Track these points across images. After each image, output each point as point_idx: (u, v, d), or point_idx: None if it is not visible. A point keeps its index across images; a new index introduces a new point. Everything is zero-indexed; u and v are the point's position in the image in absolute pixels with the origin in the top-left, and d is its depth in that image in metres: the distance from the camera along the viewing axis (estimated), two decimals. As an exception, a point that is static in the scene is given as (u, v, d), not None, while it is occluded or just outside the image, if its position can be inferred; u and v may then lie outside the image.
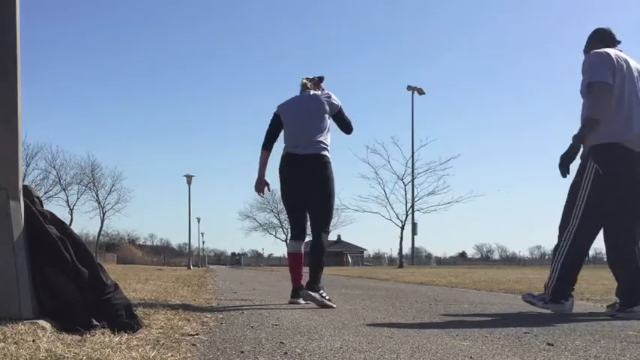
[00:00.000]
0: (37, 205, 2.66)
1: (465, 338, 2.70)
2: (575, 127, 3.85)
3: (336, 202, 4.70)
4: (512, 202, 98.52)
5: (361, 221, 71.08)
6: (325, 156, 4.41)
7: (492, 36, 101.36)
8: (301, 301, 4.41)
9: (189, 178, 32.42)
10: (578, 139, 3.71)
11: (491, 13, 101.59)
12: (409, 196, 31.49)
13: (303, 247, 4.61)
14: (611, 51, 3.75)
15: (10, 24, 2.57)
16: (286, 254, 5.14)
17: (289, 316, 3.59)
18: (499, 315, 3.85)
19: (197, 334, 2.68)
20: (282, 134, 4.62)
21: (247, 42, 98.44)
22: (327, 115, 4.46)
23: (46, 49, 75.58)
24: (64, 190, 40.59)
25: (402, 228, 31.55)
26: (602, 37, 3.91)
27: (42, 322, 2.37)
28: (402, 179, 31.74)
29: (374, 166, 32.17)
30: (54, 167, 39.43)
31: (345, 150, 35.39)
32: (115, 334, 2.37)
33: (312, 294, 4.14)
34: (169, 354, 2.09)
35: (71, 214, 41.09)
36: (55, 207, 38.00)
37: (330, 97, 4.50)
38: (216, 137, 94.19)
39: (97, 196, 43.22)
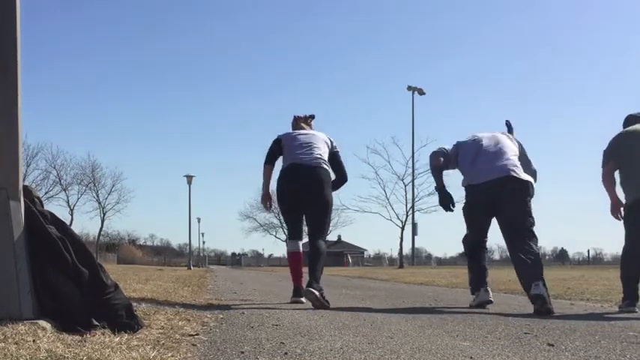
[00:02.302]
0: (37, 205, 2.66)
1: (465, 338, 2.70)
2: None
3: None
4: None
5: (361, 221, 70.74)
6: (326, 169, 4.68)
7: (493, 37, 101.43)
8: (303, 300, 4.51)
9: (189, 179, 32.42)
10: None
11: (494, 15, 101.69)
12: (409, 196, 31.52)
13: (301, 246, 4.78)
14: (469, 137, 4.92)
15: (10, 23, 2.57)
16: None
17: (289, 316, 3.59)
18: (499, 315, 3.85)
19: (197, 335, 2.68)
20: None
21: (248, 42, 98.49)
22: (326, 147, 4.77)
23: (46, 49, 75.56)
24: (65, 190, 40.43)
25: (403, 228, 31.57)
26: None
27: (42, 323, 2.37)
28: (402, 179, 31.80)
29: (374, 166, 32.25)
30: (54, 167, 39.28)
31: (345, 150, 35.32)
32: (115, 335, 2.37)
33: (314, 291, 4.22)
34: (169, 354, 2.09)
35: (71, 214, 41.01)
36: (56, 207, 37.90)
37: (332, 140, 4.86)
38: (217, 137, 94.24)
39: (98, 196, 43.07)
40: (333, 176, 4.79)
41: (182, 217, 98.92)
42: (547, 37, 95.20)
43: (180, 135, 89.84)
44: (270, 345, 2.43)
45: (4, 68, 2.55)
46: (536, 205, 4.47)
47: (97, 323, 2.52)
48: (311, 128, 4.99)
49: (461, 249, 5.31)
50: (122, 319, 2.61)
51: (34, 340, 2.06)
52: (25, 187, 2.63)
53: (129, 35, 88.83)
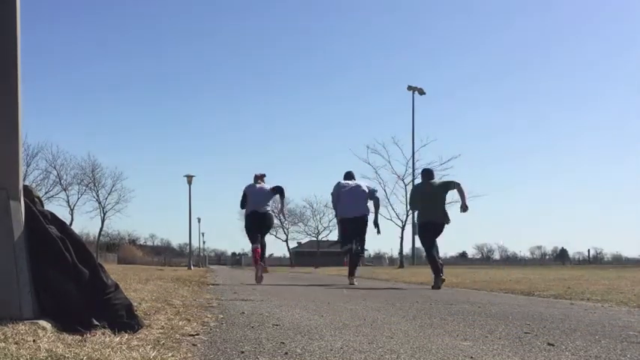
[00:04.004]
0: (37, 205, 2.66)
1: (465, 338, 2.70)
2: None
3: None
4: (512, 202, 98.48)
5: (361, 221, 70.30)
6: (271, 213, 9.19)
7: (493, 38, 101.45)
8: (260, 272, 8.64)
9: (189, 178, 32.40)
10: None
11: (494, 17, 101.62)
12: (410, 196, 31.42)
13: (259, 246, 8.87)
14: (344, 182, 9.12)
15: (10, 25, 2.57)
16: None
17: (290, 316, 3.59)
18: (499, 315, 3.85)
19: (198, 335, 2.68)
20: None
21: (250, 44, 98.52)
22: (270, 195, 9.05)
23: (47, 50, 75.60)
24: (65, 190, 40.46)
25: (403, 228, 31.58)
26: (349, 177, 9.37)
27: (42, 323, 2.37)
28: (402, 179, 31.74)
29: (374, 166, 32.21)
30: (54, 167, 39.32)
31: (345, 150, 35.63)
32: (115, 334, 2.37)
33: (264, 265, 8.78)
34: (170, 354, 2.09)
35: (72, 214, 41.04)
36: (56, 207, 37.92)
37: (272, 187, 9.07)
38: (217, 137, 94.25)
39: (98, 196, 43.12)
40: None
41: (182, 217, 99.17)
42: (547, 37, 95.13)
43: (180, 135, 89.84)
44: (271, 345, 2.43)
45: (5, 69, 2.55)
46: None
47: (97, 323, 2.52)
48: (264, 182, 9.07)
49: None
50: (122, 319, 2.61)
51: (34, 340, 2.06)
52: (25, 187, 2.64)
53: (129, 37, 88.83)
